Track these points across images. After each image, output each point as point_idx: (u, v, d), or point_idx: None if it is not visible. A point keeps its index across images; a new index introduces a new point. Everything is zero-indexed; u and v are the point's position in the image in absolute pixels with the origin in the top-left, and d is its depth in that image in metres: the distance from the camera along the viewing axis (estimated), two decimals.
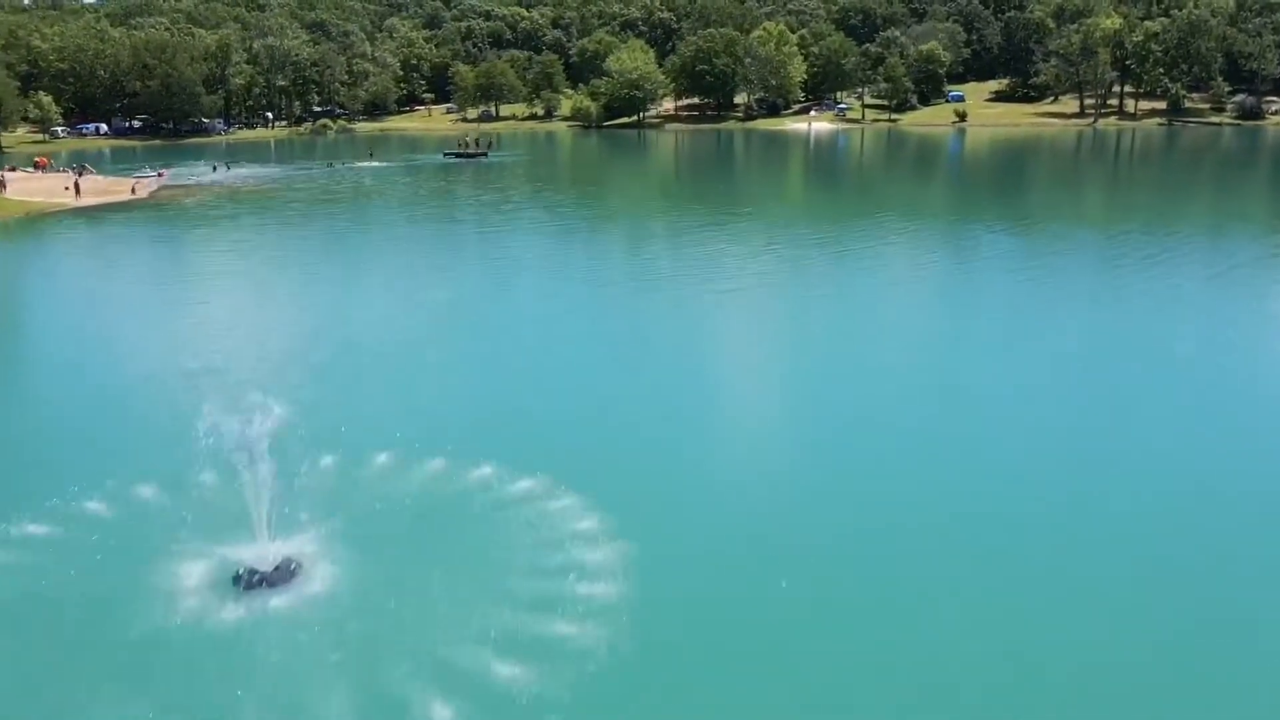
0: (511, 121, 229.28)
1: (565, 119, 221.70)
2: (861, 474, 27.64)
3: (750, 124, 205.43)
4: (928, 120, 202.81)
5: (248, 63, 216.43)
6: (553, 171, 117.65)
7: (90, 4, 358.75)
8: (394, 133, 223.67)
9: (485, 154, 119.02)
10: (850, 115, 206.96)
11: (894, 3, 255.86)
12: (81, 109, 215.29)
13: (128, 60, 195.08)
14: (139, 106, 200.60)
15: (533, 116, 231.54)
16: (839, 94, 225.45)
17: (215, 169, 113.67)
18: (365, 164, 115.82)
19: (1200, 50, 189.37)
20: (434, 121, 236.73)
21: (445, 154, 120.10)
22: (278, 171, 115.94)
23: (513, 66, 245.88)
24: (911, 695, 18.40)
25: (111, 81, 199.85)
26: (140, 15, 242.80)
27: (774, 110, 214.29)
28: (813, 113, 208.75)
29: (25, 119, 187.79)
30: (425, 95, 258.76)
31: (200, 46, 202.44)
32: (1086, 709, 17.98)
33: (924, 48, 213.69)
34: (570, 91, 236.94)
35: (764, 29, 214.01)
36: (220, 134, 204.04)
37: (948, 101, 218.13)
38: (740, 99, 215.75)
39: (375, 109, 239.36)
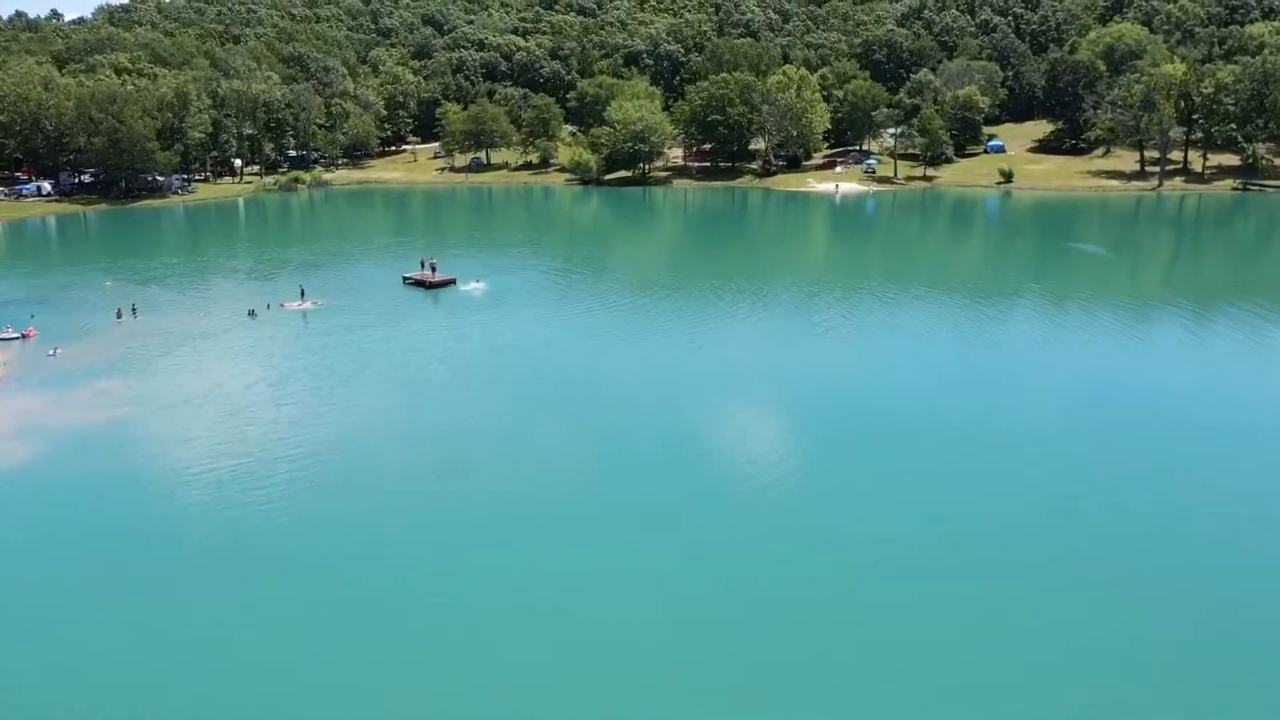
0: (503, 172, 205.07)
1: (562, 169, 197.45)
2: None
3: (768, 181, 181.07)
4: (967, 177, 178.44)
5: (213, 106, 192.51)
6: (543, 293, 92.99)
7: (64, 25, 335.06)
8: (374, 185, 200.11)
9: (452, 281, 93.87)
10: (879, 171, 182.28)
11: (921, 37, 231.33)
12: (28, 162, 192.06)
13: (72, 113, 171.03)
14: (89, 161, 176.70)
15: (526, 165, 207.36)
16: (866, 141, 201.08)
17: (120, 315, 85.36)
18: (297, 305, 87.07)
19: (1278, 103, 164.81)
20: (419, 169, 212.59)
21: (405, 279, 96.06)
22: (187, 319, 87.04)
23: (506, 105, 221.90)
24: None
25: (56, 135, 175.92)
26: (101, 52, 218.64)
27: (794, 162, 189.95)
28: (838, 168, 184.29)
29: None
30: (411, 136, 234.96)
31: (155, 96, 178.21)
32: None
33: (960, 92, 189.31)
34: (568, 129, 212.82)
35: (783, 73, 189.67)
36: (176, 193, 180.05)
37: (986, 151, 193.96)
38: (756, 143, 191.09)
39: (356, 151, 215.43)
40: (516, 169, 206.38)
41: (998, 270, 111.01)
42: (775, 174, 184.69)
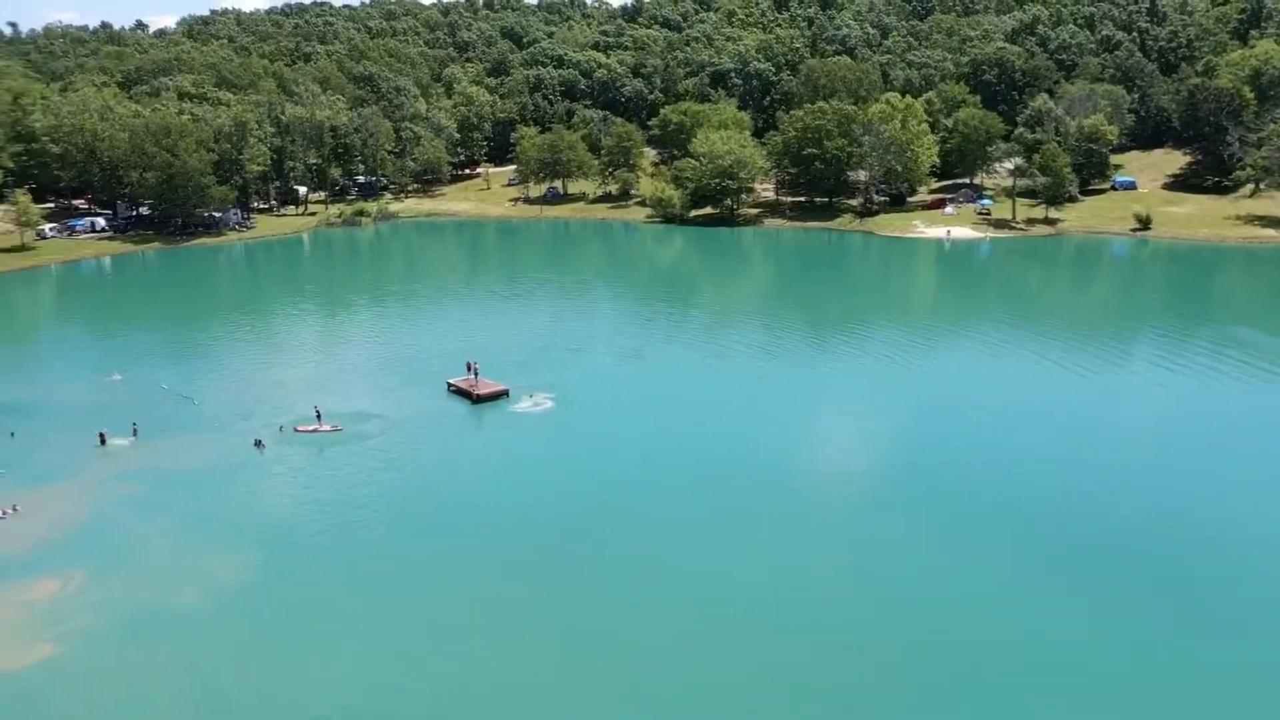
0: (580, 204, 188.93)
1: (642, 202, 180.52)
2: None
3: (870, 222, 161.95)
4: (1096, 220, 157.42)
5: (276, 134, 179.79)
6: (619, 406, 75.32)
7: (145, 38, 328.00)
8: (443, 217, 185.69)
9: (503, 393, 76.56)
10: (994, 211, 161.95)
11: (1035, 55, 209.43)
12: (87, 192, 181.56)
13: (125, 145, 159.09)
14: (143, 195, 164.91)
15: (605, 197, 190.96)
16: (979, 175, 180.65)
17: (104, 440, 69.64)
18: (312, 430, 70.78)
19: None
20: (491, 199, 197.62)
21: (450, 386, 79.85)
22: (189, 447, 68.70)
23: (585, 129, 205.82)
24: None
25: (110, 168, 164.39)
26: (168, 74, 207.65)
27: (897, 199, 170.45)
28: (948, 208, 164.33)
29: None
30: (485, 160, 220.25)
31: (213, 126, 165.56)
32: None
33: (1086, 121, 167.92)
34: (650, 153, 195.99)
35: (887, 101, 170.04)
36: (234, 228, 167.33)
37: (1114, 188, 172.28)
38: (854, 173, 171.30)
39: (427, 176, 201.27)
40: (594, 201, 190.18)
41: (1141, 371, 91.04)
42: (877, 213, 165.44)
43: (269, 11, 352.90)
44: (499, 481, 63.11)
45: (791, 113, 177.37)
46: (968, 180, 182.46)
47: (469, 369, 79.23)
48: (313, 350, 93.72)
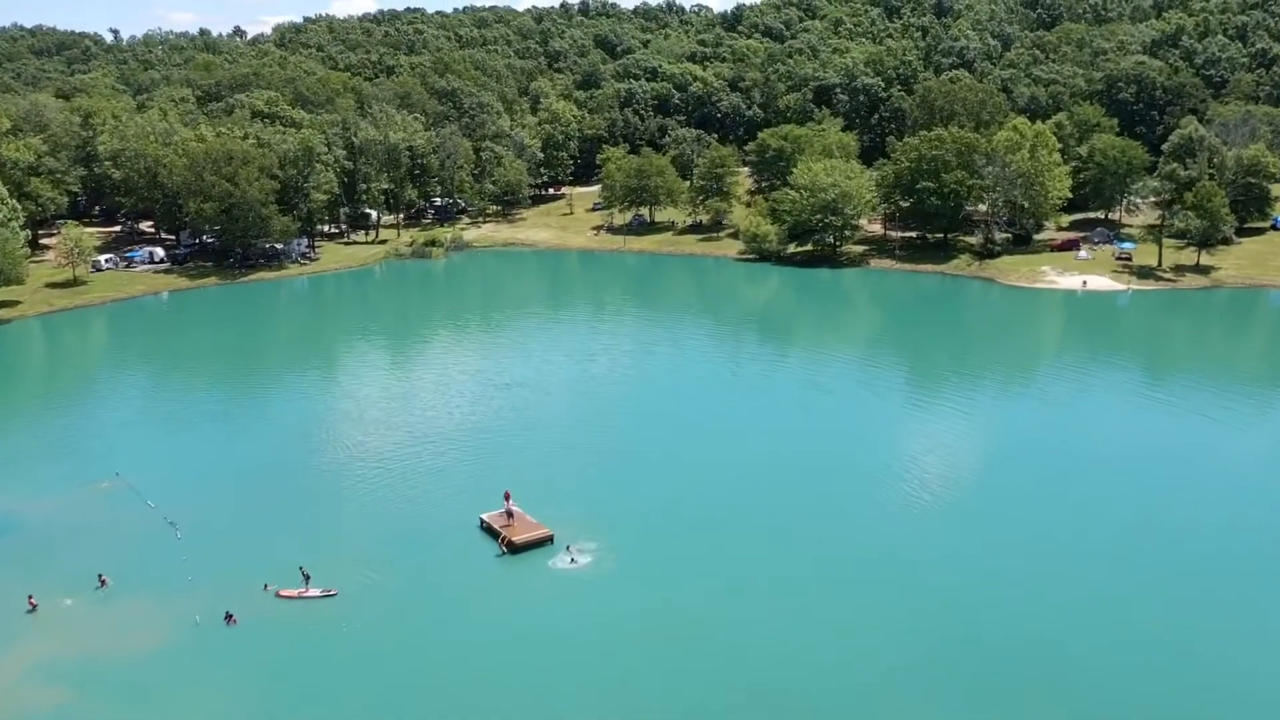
0: (668, 235, 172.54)
1: (735, 233, 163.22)
2: None
3: (991, 266, 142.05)
4: (1256, 268, 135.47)
5: (348, 157, 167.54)
6: (688, 556, 58.67)
7: (239, 44, 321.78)
8: (520, 246, 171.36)
9: (547, 539, 60.70)
10: (1136, 256, 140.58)
11: (1180, 70, 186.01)
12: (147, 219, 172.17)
13: (184, 173, 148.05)
14: (202, 225, 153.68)
15: (695, 226, 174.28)
16: (1116, 210, 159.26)
17: (34, 605, 55.47)
18: (298, 594, 55.68)
19: None
20: (573, 226, 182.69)
21: (482, 523, 64.24)
22: (134, 617, 53.67)
23: (676, 150, 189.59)
24: None
25: (172, 196, 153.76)
26: (243, 90, 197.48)
27: (1021, 239, 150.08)
28: (1082, 251, 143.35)
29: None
30: (570, 180, 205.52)
31: (279, 152, 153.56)
32: None
33: (1246, 153, 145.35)
34: (745, 174, 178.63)
35: (1014, 127, 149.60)
36: (297, 261, 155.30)
37: (1275, 227, 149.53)
38: (973, 205, 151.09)
39: (507, 198, 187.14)
40: (683, 231, 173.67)
41: None
42: (999, 254, 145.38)
43: (362, 18, 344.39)
44: (527, 694, 47.30)
45: (905, 140, 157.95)
46: (1102, 215, 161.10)
47: (507, 500, 63.47)
48: (329, 452, 78.12)
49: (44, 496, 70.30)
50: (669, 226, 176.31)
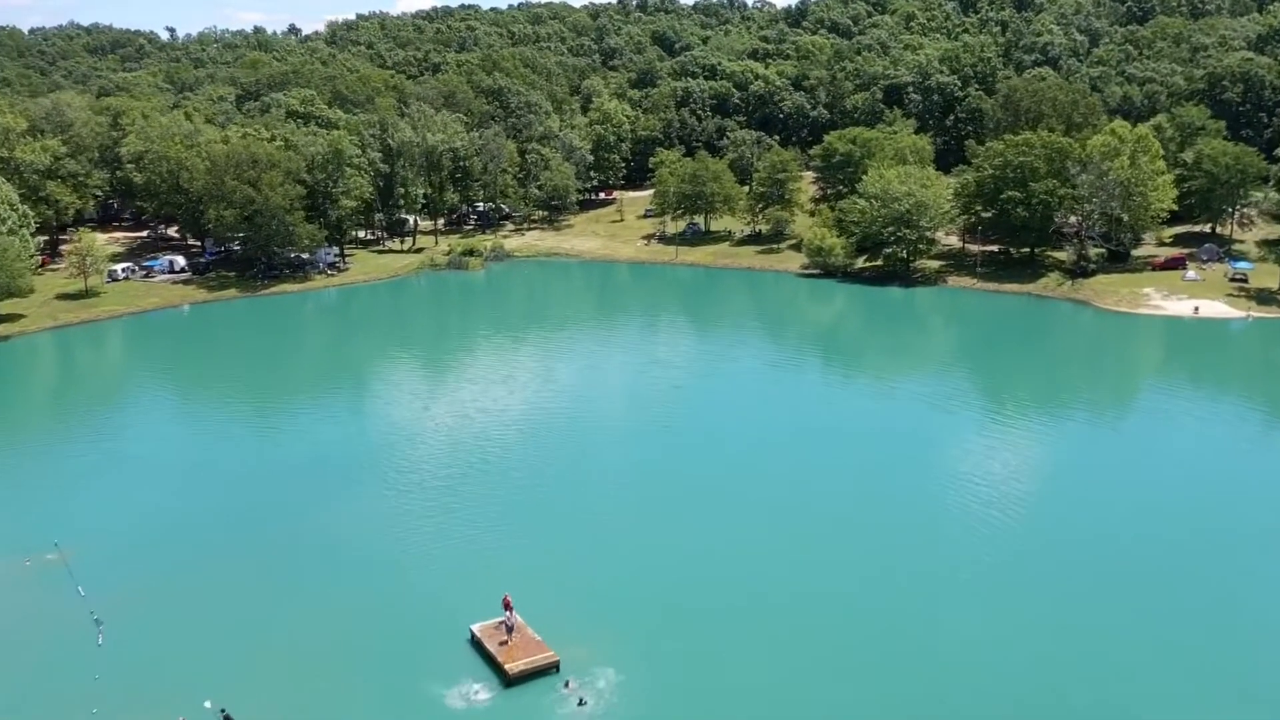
0: (724, 246, 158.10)
1: (796, 244, 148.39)
2: None
3: (1084, 287, 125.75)
4: None
5: (384, 160, 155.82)
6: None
7: (292, 41, 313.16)
8: (565, 256, 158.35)
9: (551, 665, 47.01)
10: (1252, 278, 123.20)
11: None
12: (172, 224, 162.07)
13: (204, 177, 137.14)
14: (224, 232, 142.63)
15: (754, 236, 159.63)
16: (1226, 223, 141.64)
17: None
18: None
19: None
20: (622, 234, 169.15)
21: (472, 636, 50.34)
22: None
23: (735, 153, 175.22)
24: None
25: (195, 201, 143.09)
26: (280, 89, 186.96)
27: (1117, 256, 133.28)
28: (1190, 273, 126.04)
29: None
30: (621, 184, 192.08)
31: (307, 154, 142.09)
32: None
33: None
34: (807, 181, 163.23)
35: (1112, 131, 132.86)
36: (323, 272, 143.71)
37: None
38: (1063, 216, 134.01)
39: (554, 202, 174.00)
40: (740, 242, 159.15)
41: None
42: (1093, 272, 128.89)
43: (415, 15, 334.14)
44: None
45: (987, 144, 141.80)
46: (1208, 229, 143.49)
47: (507, 609, 49.68)
48: (306, 520, 65.12)
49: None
50: (725, 236, 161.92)
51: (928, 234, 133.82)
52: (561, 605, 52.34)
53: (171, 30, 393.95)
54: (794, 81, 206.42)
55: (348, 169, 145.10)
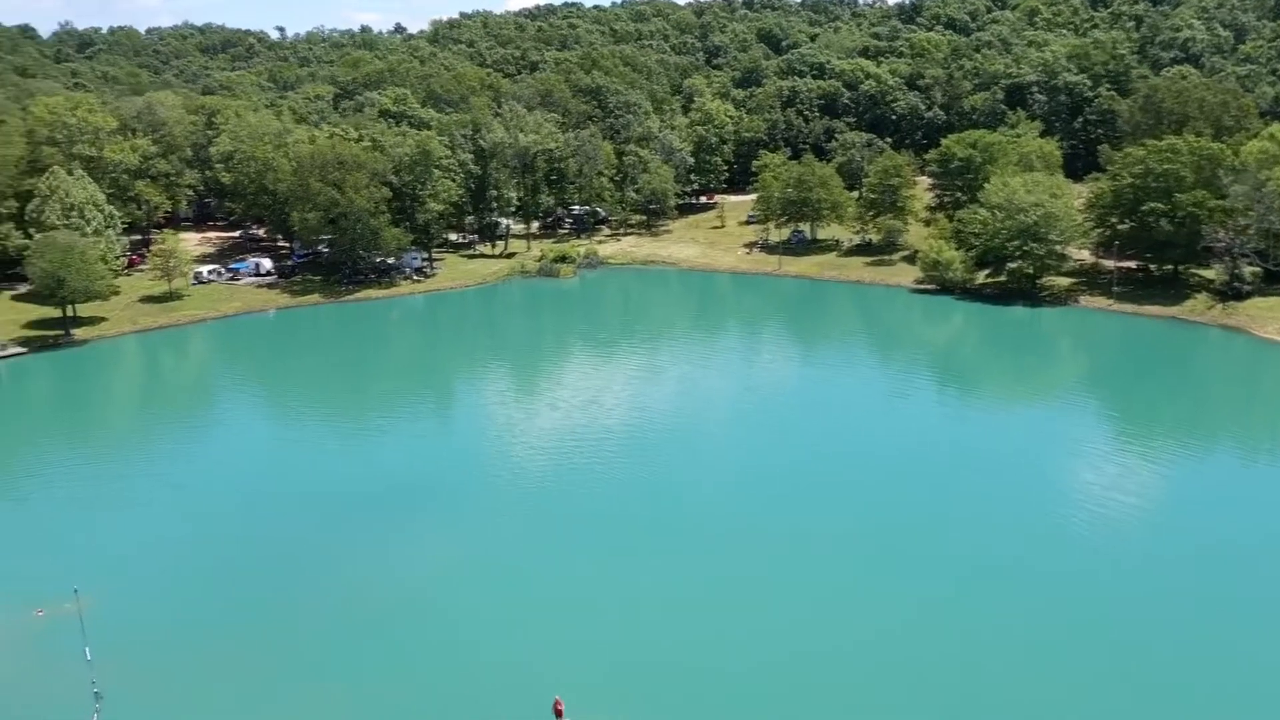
0: (831, 256, 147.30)
1: (909, 256, 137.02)
2: None
3: (1237, 311, 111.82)
4: None
5: (475, 161, 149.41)
6: None
7: (397, 40, 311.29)
8: (661, 265, 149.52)
9: None
10: None
11: None
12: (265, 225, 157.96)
13: (287, 182, 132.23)
14: (309, 234, 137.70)
15: (863, 246, 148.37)
16: None
17: None
18: None
19: None
20: (722, 240, 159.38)
21: None
22: None
23: (844, 157, 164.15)
24: None
25: (275, 205, 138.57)
26: (375, 88, 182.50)
27: (1275, 277, 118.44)
28: None
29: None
30: (723, 187, 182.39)
31: (395, 156, 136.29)
32: None
33: None
34: (922, 188, 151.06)
35: (1271, 136, 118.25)
36: (410, 278, 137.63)
37: None
38: (1211, 230, 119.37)
39: (653, 206, 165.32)
40: (849, 252, 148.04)
41: None
42: (1248, 295, 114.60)
43: (518, 13, 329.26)
44: None
45: (1125, 150, 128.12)
46: None
47: (558, 715, 41.06)
48: (351, 592, 56.71)
49: None
50: (833, 246, 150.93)
51: (1057, 248, 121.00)
52: (630, 702, 43.36)
53: (281, 30, 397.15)
54: (908, 81, 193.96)
55: (436, 171, 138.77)
